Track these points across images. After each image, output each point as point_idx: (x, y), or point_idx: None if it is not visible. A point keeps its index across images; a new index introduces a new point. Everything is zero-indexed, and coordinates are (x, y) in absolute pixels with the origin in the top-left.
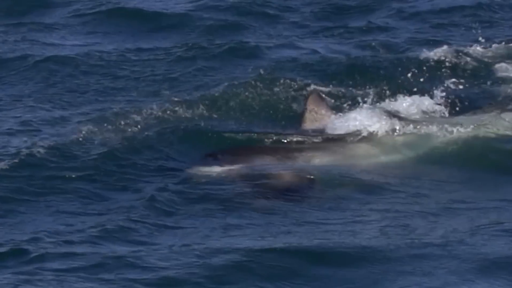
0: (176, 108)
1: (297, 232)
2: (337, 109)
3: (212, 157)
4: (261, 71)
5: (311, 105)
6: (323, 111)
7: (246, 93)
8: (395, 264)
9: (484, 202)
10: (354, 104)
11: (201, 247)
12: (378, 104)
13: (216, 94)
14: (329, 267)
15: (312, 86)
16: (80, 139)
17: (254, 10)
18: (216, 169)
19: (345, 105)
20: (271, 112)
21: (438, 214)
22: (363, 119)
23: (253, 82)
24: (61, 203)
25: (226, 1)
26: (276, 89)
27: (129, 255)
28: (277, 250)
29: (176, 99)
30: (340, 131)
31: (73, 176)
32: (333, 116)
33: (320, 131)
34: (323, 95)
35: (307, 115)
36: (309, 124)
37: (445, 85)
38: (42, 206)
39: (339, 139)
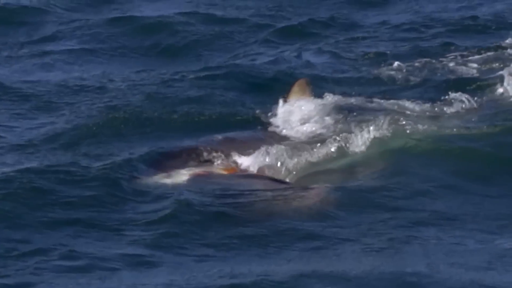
0: (160, 114)
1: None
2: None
3: (166, 163)
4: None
5: (296, 89)
6: (306, 97)
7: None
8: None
9: (467, 207)
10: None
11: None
12: (358, 101)
13: (197, 99)
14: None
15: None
16: (67, 153)
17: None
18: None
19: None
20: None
21: (419, 223)
22: (340, 113)
23: (234, 88)
24: (43, 220)
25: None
26: (255, 95)
27: (114, 275)
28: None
29: (159, 108)
30: (316, 121)
31: (61, 193)
32: (314, 103)
33: (291, 128)
34: (309, 85)
35: (291, 98)
36: (291, 106)
37: (426, 88)
38: (20, 224)
39: (310, 141)
